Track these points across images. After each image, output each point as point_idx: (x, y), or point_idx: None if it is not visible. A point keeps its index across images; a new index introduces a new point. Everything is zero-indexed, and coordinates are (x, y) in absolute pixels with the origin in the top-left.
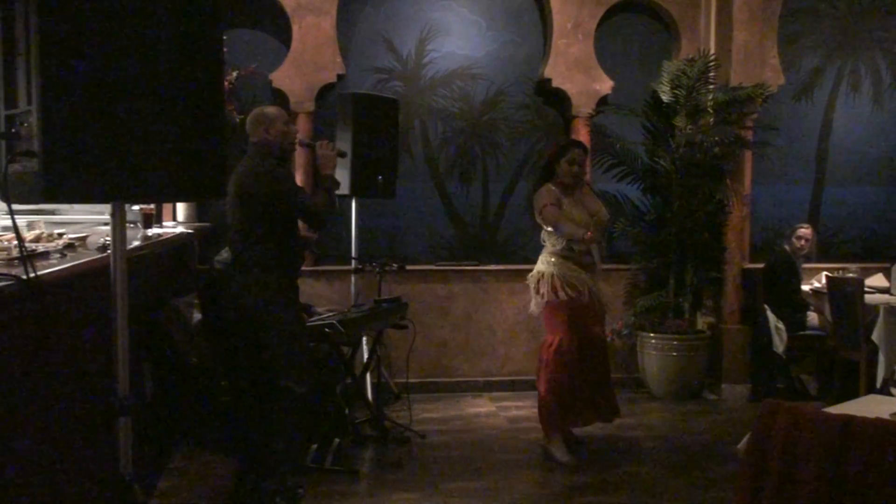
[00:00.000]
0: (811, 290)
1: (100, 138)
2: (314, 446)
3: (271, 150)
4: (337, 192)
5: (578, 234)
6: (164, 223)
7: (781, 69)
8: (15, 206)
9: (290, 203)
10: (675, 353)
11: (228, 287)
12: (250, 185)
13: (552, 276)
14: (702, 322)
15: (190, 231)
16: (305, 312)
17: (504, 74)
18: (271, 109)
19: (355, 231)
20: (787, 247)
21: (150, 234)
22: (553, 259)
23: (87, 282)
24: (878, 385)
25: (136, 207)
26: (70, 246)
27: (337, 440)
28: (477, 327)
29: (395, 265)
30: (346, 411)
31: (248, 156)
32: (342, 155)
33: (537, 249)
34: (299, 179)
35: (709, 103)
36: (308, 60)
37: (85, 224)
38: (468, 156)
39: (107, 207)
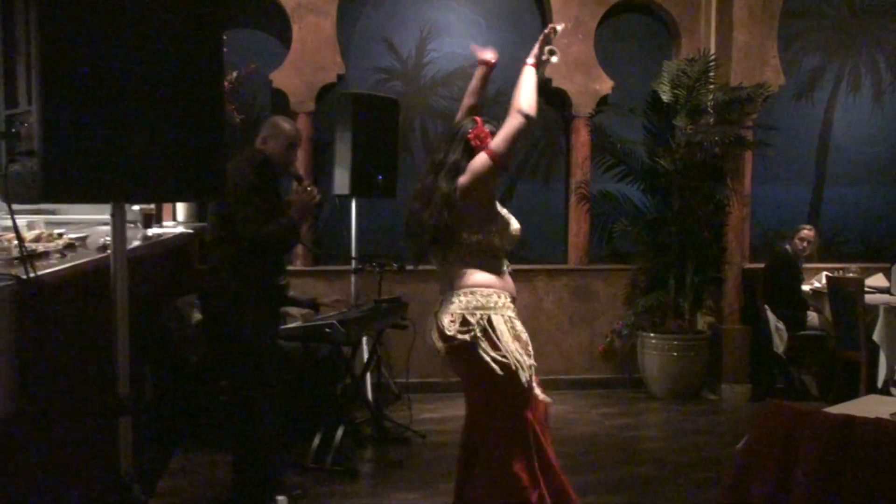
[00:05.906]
0: (811, 290)
1: (100, 138)
2: (315, 443)
3: (260, 158)
4: (337, 192)
5: None
6: (164, 223)
7: (781, 69)
8: (15, 206)
9: (233, 211)
10: (675, 353)
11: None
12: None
13: None
14: (702, 322)
15: (190, 231)
16: (314, 308)
17: (504, 74)
18: (283, 125)
19: (355, 231)
20: (788, 247)
21: (150, 234)
22: None
23: (87, 282)
24: (880, 385)
25: (136, 207)
26: (70, 246)
27: (339, 435)
28: None
29: (395, 265)
30: None
31: (241, 155)
32: (319, 206)
33: (537, 250)
34: None
35: (709, 103)
36: (308, 60)
37: (85, 224)
38: None
39: (107, 207)
